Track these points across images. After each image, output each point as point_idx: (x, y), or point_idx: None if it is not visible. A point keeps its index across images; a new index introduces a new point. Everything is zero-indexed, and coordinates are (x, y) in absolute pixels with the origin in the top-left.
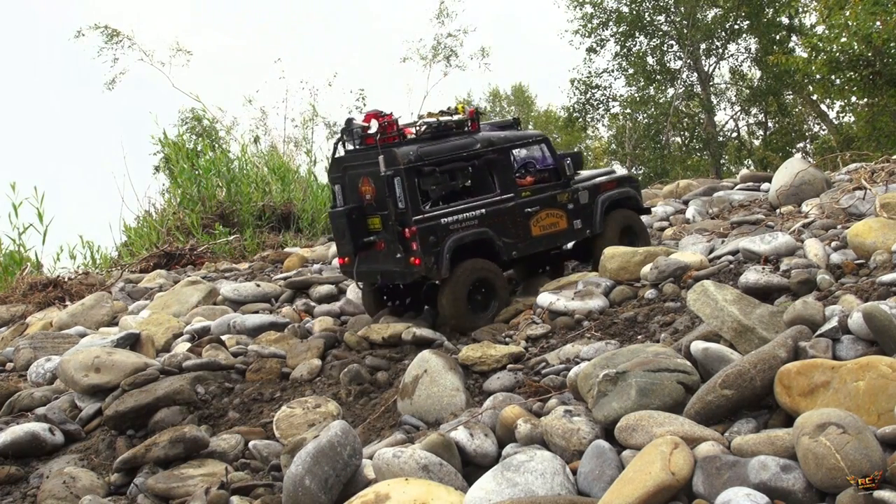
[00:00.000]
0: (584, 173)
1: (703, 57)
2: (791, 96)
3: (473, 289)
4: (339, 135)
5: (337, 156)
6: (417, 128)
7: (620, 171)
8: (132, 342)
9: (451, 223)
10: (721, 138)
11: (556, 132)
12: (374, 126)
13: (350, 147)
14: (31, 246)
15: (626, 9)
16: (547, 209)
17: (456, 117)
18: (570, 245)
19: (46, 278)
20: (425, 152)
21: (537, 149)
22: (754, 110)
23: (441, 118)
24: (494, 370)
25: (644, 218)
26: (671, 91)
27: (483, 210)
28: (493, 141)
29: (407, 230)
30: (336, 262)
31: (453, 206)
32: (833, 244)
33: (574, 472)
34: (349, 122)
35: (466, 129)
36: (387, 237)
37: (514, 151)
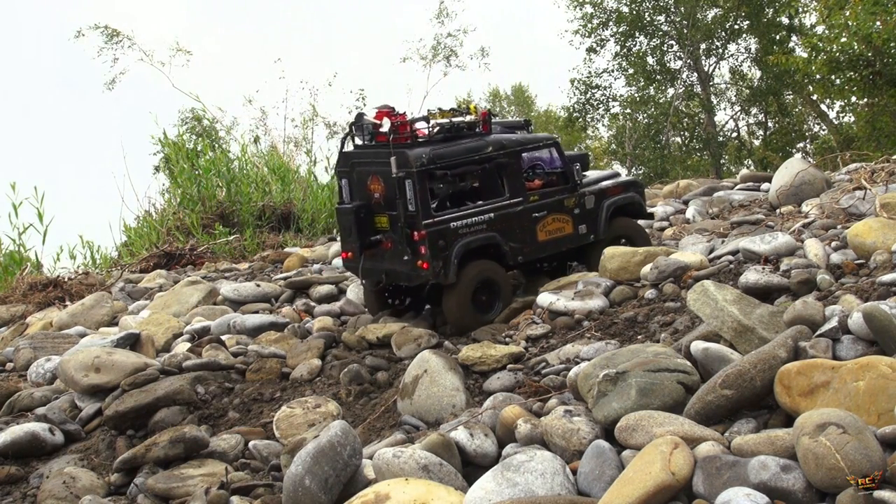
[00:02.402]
0: (589, 175)
1: (703, 57)
2: (791, 96)
3: (478, 290)
4: (349, 129)
5: (345, 150)
6: (430, 128)
7: (622, 172)
8: (132, 342)
9: (460, 227)
10: (721, 138)
11: (557, 132)
12: (386, 124)
13: (359, 142)
14: (31, 246)
15: (626, 9)
16: (554, 214)
17: (468, 118)
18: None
19: (46, 278)
20: (438, 155)
21: (546, 151)
22: (754, 110)
23: (454, 118)
24: (494, 370)
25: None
26: (671, 91)
27: (492, 214)
28: (505, 144)
29: (416, 233)
30: (336, 261)
31: (463, 210)
32: (833, 244)
33: (574, 472)
34: (360, 116)
35: (478, 130)
36: (394, 237)
37: (523, 154)
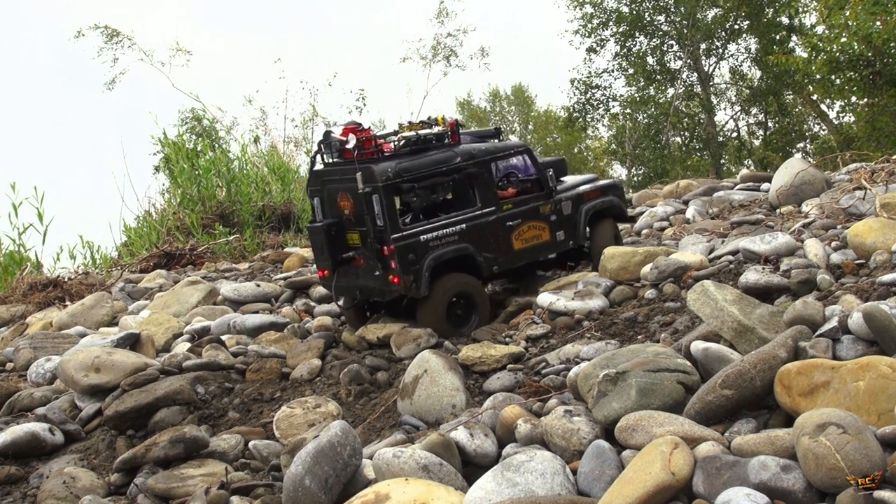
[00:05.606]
0: (568, 180)
1: (703, 57)
2: (791, 96)
3: (453, 303)
4: (317, 147)
5: (315, 168)
6: (396, 142)
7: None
8: (132, 342)
9: (430, 240)
10: (721, 138)
11: (556, 132)
12: (351, 140)
13: (329, 160)
14: (31, 246)
15: (626, 9)
16: (529, 222)
17: (436, 129)
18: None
19: (46, 278)
20: (403, 168)
21: (519, 158)
22: (754, 110)
23: (420, 131)
24: (494, 370)
25: (644, 218)
26: (671, 91)
27: (463, 225)
28: (474, 154)
29: (385, 248)
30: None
31: (433, 222)
32: (833, 244)
33: (574, 472)
34: (327, 134)
35: (446, 141)
36: (366, 253)
37: (495, 163)
